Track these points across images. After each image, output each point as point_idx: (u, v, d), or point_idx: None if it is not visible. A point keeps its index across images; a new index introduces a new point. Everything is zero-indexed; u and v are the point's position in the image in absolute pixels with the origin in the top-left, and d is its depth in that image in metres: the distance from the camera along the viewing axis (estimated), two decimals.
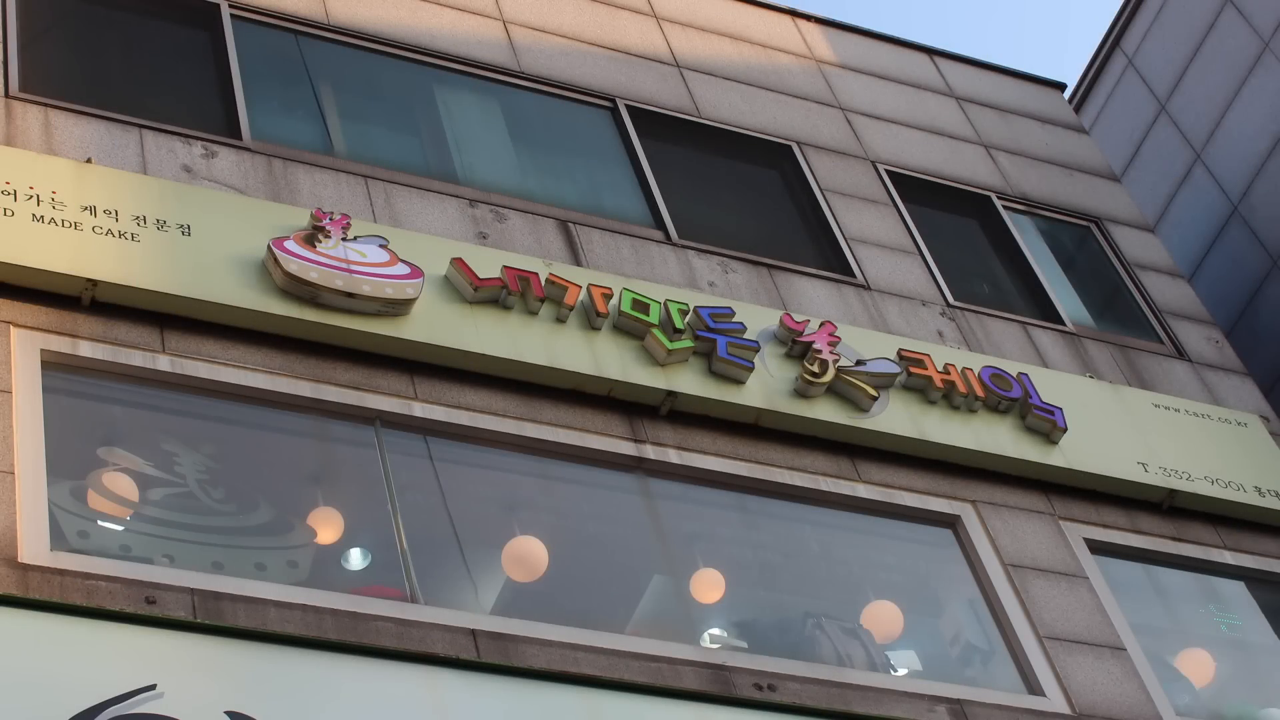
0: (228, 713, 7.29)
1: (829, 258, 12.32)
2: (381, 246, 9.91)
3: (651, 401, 10.18)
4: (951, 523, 10.65)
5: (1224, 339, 13.60)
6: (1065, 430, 11.17)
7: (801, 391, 10.56)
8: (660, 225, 11.73)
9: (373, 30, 12.03)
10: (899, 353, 11.12)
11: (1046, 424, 11.17)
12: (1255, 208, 16.31)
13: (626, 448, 9.94)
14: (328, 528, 9.09)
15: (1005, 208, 13.83)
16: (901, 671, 9.91)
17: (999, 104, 15.16)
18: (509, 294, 10.06)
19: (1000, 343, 12.20)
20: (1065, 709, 9.69)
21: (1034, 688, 9.82)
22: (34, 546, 7.79)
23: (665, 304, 10.46)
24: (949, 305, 12.33)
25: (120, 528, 8.49)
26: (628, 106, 12.63)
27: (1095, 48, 18.97)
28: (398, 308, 9.63)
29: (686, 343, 10.33)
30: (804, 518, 10.45)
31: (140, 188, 9.66)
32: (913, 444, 10.76)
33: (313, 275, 9.45)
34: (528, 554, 9.45)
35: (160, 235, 9.37)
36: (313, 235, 9.72)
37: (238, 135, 10.62)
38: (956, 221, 13.65)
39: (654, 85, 13.02)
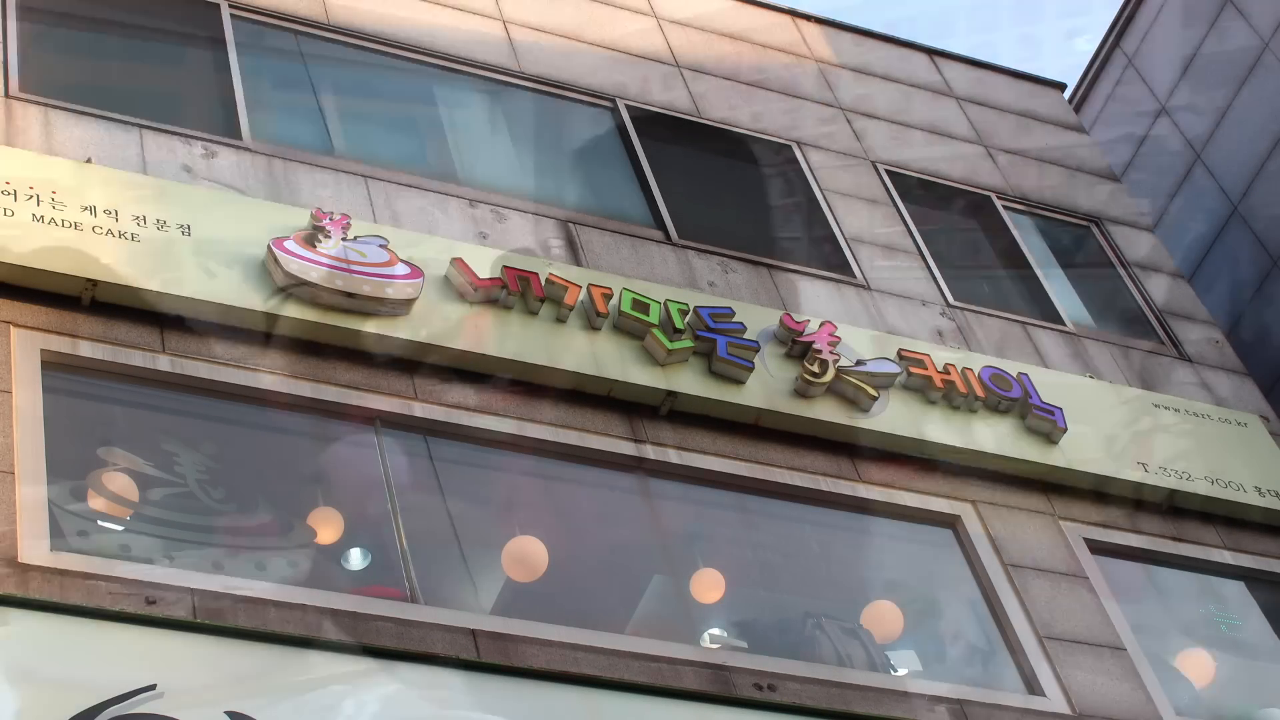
0: (228, 713, 7.29)
1: (829, 258, 12.31)
2: (381, 246, 9.90)
3: (651, 401, 10.17)
4: (951, 523, 10.64)
5: (1224, 339, 13.59)
6: (1065, 430, 11.17)
7: (801, 391, 10.56)
8: (660, 225, 11.72)
9: (373, 30, 12.02)
10: (899, 353, 11.11)
11: (1046, 424, 11.16)
12: (1255, 208, 16.29)
13: (626, 448, 9.94)
14: (328, 528, 9.08)
15: (1005, 208, 13.82)
16: (901, 671, 9.91)
17: (999, 104, 15.15)
18: (509, 294, 10.06)
19: (1000, 343, 12.19)
20: (1065, 709, 9.68)
21: (1034, 688, 9.81)
22: (34, 546, 7.78)
23: (665, 304, 10.46)
24: (949, 305, 12.33)
25: (120, 528, 8.48)
26: (628, 106, 12.62)
27: (1095, 48, 18.95)
28: (398, 308, 9.62)
29: (686, 343, 10.32)
30: (804, 518, 10.44)
31: (140, 188, 9.65)
32: (913, 444, 10.76)
33: (313, 275, 9.45)
34: (528, 554, 9.44)
35: (160, 235, 9.37)
36: (313, 235, 9.72)
37: (238, 135, 10.62)
38: (956, 221, 13.64)
39: (654, 85, 13.02)
